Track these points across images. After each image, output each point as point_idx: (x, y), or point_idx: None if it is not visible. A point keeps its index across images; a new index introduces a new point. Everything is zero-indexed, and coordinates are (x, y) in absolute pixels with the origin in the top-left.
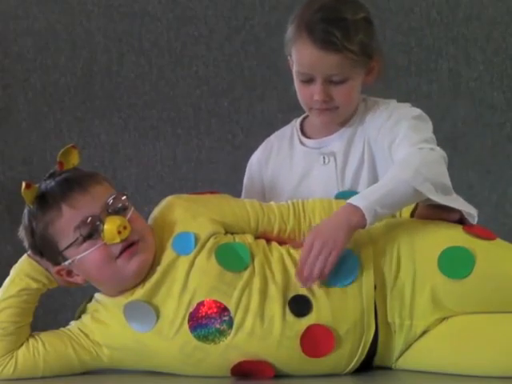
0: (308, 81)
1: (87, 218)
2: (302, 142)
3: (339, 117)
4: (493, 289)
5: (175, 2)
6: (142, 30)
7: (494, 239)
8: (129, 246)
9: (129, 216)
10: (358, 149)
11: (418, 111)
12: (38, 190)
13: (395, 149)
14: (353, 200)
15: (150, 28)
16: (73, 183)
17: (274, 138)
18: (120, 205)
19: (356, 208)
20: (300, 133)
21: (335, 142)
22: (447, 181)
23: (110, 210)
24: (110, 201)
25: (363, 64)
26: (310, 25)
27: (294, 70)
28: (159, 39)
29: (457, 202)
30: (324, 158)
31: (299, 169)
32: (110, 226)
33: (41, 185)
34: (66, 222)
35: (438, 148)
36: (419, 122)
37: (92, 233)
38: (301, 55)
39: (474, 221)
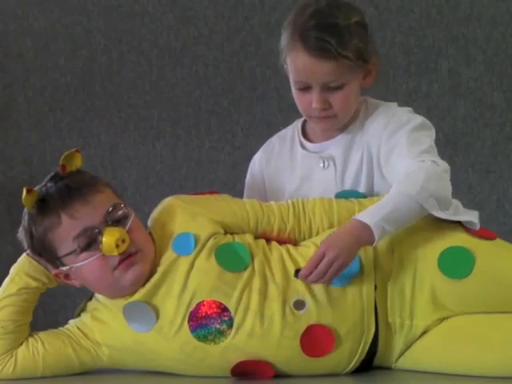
0: (305, 89)
1: (86, 230)
2: (302, 145)
3: (338, 123)
4: (493, 289)
5: (175, 2)
6: (142, 30)
7: (494, 239)
8: (127, 256)
9: (128, 226)
10: (358, 154)
11: (418, 119)
12: (38, 194)
13: (395, 159)
14: (361, 217)
15: (150, 28)
16: (73, 192)
17: (275, 139)
18: (120, 213)
19: (365, 225)
20: (301, 135)
21: (335, 147)
22: (449, 194)
23: (109, 221)
24: (110, 210)
25: (360, 68)
26: (304, 33)
27: (291, 78)
28: (159, 39)
29: (457, 211)
30: (324, 162)
31: (300, 172)
32: (109, 239)
33: (41, 188)
34: (65, 231)
35: (441, 161)
36: (419, 132)
37: (90, 243)
38: (296, 64)
39: (476, 227)
